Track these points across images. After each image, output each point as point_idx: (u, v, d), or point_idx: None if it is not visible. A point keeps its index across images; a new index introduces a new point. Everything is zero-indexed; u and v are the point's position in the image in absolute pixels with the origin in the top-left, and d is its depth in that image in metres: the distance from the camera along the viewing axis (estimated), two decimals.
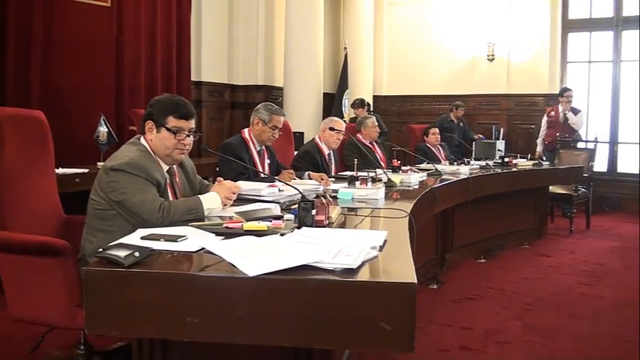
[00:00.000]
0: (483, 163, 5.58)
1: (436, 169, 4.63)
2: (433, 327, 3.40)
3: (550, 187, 6.35)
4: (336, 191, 3.04)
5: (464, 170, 4.86)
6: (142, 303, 1.52)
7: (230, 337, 1.53)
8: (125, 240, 1.77)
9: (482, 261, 5.05)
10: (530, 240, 5.82)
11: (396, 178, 3.72)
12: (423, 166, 4.81)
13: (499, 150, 7.07)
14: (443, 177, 4.36)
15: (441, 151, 6.17)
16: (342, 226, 2.31)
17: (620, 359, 3.09)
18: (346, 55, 8.80)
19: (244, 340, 1.54)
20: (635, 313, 3.80)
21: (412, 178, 3.87)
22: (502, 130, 8.69)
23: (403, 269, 1.64)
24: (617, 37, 8.24)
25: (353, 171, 3.45)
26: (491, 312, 3.76)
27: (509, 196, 5.39)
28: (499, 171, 5.35)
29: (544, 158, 6.70)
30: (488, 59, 8.78)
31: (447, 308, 3.78)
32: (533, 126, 8.14)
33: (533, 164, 6.00)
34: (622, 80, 8.27)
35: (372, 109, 7.87)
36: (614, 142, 8.37)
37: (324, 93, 8.00)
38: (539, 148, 7.68)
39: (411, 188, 3.63)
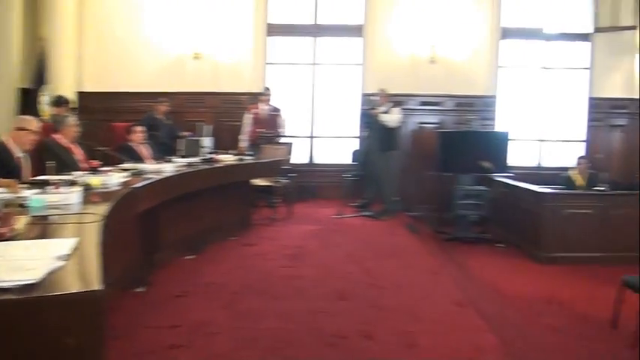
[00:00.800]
0: (190, 160, 5.66)
1: (138, 168, 4.55)
2: (141, 331, 3.35)
3: (254, 180, 6.75)
4: (27, 198, 2.78)
5: (168, 168, 4.86)
6: None
7: None
8: None
9: (191, 257, 5.11)
10: (237, 231, 6.10)
11: (96, 180, 3.58)
12: (126, 165, 4.68)
13: (205, 147, 7.23)
14: (146, 176, 4.30)
15: (146, 149, 6.04)
16: (30, 237, 2.14)
17: (318, 329, 3.48)
18: (43, 49, 8.03)
19: None
20: (330, 286, 4.32)
21: (113, 179, 3.76)
22: (210, 127, 8.90)
23: (88, 277, 1.59)
24: (314, 42, 9.22)
25: (49, 175, 3.21)
26: (200, 306, 3.86)
27: (215, 190, 5.55)
28: (204, 167, 5.49)
29: (248, 153, 7.08)
30: (195, 58, 8.94)
31: (155, 310, 3.75)
32: (238, 123, 8.53)
33: (237, 159, 6.29)
34: (317, 81, 9.29)
35: (71, 106, 7.31)
36: (311, 137, 9.35)
37: (22, 89, 7.21)
38: (242, 144, 8.10)
39: (111, 190, 3.51)
